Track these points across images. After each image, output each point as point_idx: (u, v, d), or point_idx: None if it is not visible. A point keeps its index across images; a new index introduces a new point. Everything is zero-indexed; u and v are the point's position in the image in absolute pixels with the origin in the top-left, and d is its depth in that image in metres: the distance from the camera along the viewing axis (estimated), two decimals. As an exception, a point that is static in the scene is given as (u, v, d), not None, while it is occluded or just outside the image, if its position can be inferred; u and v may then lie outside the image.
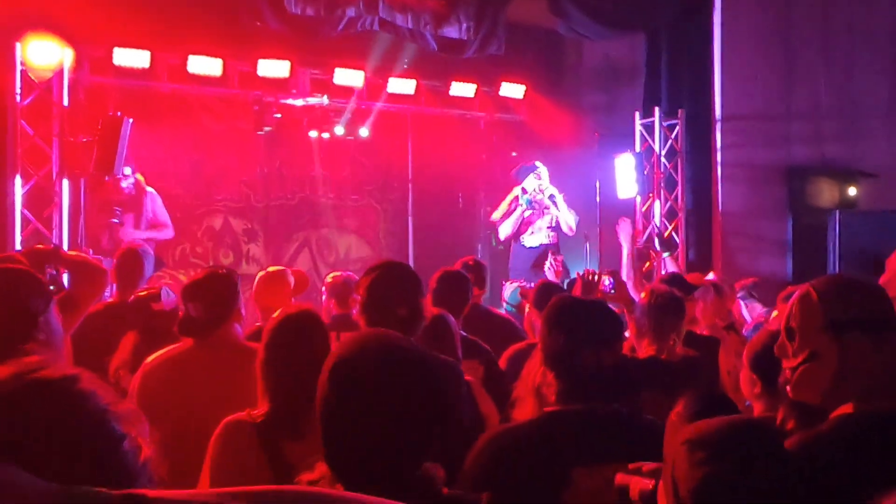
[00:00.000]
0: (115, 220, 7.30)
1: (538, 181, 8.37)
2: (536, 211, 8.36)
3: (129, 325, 3.42)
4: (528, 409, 2.25)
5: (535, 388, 2.52)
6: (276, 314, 2.58)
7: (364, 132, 9.45)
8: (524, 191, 8.32)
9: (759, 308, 5.65)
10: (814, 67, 9.15)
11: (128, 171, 7.44)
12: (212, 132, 9.16)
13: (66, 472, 0.87)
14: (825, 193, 9.16)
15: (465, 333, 3.68)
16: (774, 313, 4.52)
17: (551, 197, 8.32)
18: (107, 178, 7.06)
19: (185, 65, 8.00)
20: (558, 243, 8.59)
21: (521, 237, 8.47)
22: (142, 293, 3.52)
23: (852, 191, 9.19)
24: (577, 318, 2.16)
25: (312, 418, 2.26)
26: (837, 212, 8.30)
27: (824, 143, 9.17)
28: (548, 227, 8.40)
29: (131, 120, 6.85)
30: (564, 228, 8.37)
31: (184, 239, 9.22)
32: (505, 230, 8.46)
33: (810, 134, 9.10)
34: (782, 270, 8.74)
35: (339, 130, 9.38)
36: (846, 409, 1.71)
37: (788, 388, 1.91)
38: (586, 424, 2.08)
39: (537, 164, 8.48)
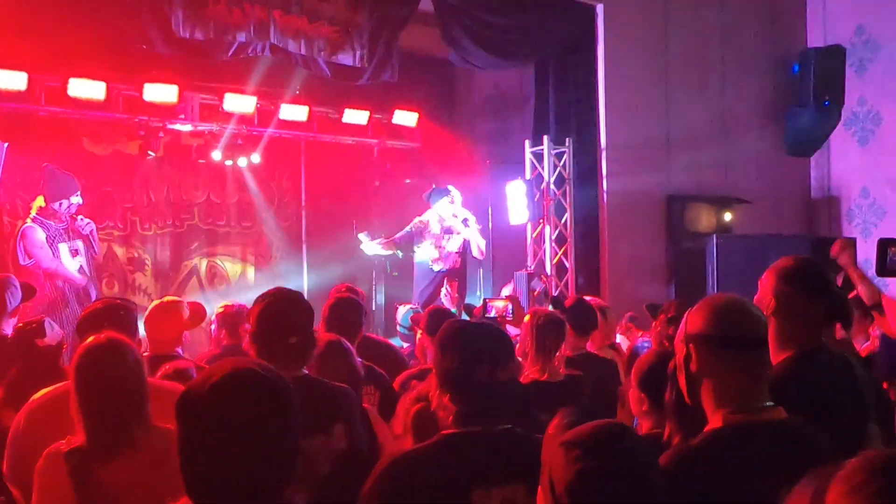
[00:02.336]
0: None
1: (452, 205, 8.46)
2: (441, 235, 8.44)
3: (9, 359, 3.24)
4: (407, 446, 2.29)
5: (416, 420, 2.57)
6: (88, 340, 2.55)
7: (256, 158, 9.32)
8: (441, 218, 8.40)
9: (639, 333, 5.91)
10: (691, 99, 9.64)
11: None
12: (95, 157, 8.85)
13: None
14: (703, 219, 9.61)
15: (360, 360, 3.67)
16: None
17: (464, 221, 8.41)
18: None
19: (65, 88, 7.72)
20: (462, 268, 8.70)
21: (414, 248, 8.55)
22: (22, 326, 3.34)
23: (728, 216, 9.68)
24: (471, 338, 2.19)
25: (130, 441, 2.33)
26: (715, 236, 8.72)
27: (702, 171, 9.65)
28: (456, 252, 8.48)
29: (6, 144, 6.54)
30: (475, 252, 8.46)
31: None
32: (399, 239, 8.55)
33: (688, 162, 9.56)
34: (665, 294, 9.09)
35: (230, 157, 9.22)
36: (716, 422, 1.82)
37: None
38: (484, 446, 2.11)
39: (450, 188, 8.57)
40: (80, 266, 7.43)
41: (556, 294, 8.12)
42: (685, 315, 1.91)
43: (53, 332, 3.30)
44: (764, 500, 1.68)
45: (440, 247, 8.43)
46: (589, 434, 1.55)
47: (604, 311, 4.86)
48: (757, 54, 10.21)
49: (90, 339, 2.50)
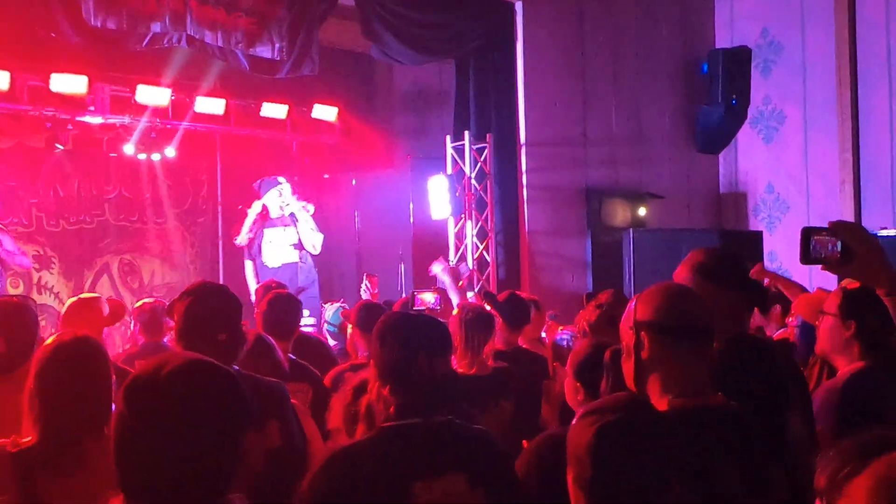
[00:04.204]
0: None
1: (280, 198, 8.18)
2: (275, 223, 8.18)
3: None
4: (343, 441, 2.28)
5: (352, 413, 2.55)
6: (49, 340, 2.39)
7: (169, 152, 9.06)
8: (265, 207, 8.13)
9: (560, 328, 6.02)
10: (606, 97, 9.87)
11: None
12: (-2, 151, 8.46)
13: None
14: (619, 214, 9.86)
15: (293, 356, 3.62)
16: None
17: (291, 215, 8.12)
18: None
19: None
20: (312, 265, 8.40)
21: (262, 255, 8.26)
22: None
23: (642, 211, 9.96)
24: (409, 329, 2.20)
25: (81, 455, 2.17)
26: (630, 230, 8.96)
27: (617, 167, 9.90)
28: (292, 245, 8.17)
29: None
30: (308, 247, 8.19)
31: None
32: (241, 238, 8.31)
33: (605, 158, 9.80)
34: (584, 285, 9.29)
35: (143, 150, 8.94)
36: (661, 406, 1.87)
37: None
38: (424, 437, 2.11)
39: (280, 179, 8.33)
40: None
41: (479, 288, 8.17)
42: (633, 302, 1.95)
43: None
44: (702, 480, 1.75)
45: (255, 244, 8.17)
46: (602, 401, 1.66)
47: (536, 304, 4.93)
48: (669, 54, 10.52)
49: (54, 336, 2.36)
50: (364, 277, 8.57)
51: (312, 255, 8.45)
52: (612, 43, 9.91)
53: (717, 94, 10.39)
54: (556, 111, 9.36)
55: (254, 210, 8.19)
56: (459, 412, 2.41)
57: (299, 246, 8.13)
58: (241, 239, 8.31)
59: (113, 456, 1.44)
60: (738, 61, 10.44)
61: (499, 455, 2.26)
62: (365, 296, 8.44)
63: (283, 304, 3.89)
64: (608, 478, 1.58)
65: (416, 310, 4.74)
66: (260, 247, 8.27)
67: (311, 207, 8.32)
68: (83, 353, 2.30)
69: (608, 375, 2.46)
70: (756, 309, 3.25)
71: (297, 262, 8.19)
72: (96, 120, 8.41)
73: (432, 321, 2.31)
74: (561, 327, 5.88)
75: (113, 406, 2.05)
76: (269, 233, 8.30)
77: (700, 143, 10.79)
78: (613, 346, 2.57)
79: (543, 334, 5.48)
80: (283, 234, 8.17)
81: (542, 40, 9.27)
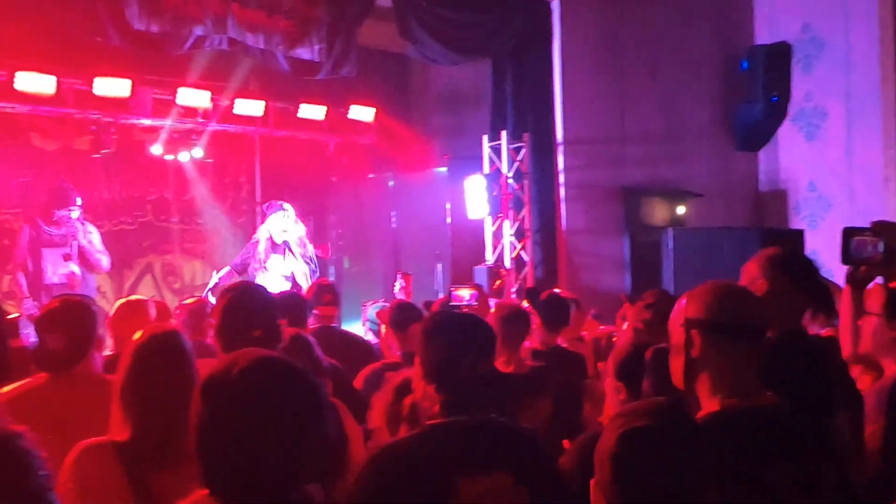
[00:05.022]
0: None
1: (282, 221, 7.52)
2: (273, 251, 7.53)
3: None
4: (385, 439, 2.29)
5: (395, 413, 2.57)
6: (137, 335, 2.39)
7: (210, 154, 9.20)
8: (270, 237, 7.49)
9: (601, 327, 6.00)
10: (644, 95, 9.79)
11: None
12: (44, 153, 8.63)
13: None
14: (657, 212, 9.78)
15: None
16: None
17: (285, 243, 7.48)
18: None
19: (12, 81, 7.51)
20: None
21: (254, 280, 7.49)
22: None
23: (681, 209, 9.87)
24: (455, 329, 2.21)
25: (179, 448, 2.19)
26: (670, 229, 8.88)
27: (656, 165, 9.82)
28: (283, 276, 7.50)
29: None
30: (299, 280, 7.46)
31: (10, 267, 8.61)
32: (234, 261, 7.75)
33: (643, 156, 9.72)
34: (621, 285, 9.23)
35: (184, 152, 9.09)
36: (713, 405, 1.86)
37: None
38: (469, 435, 2.12)
39: (285, 206, 7.65)
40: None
41: (517, 288, 8.17)
42: (684, 299, 1.93)
43: (29, 332, 3.21)
44: (761, 482, 1.74)
45: (263, 268, 7.48)
46: (632, 406, 1.58)
47: (577, 303, 4.91)
48: (707, 51, 10.41)
49: (142, 331, 2.38)
50: (398, 276, 8.61)
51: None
52: (649, 40, 9.83)
53: (757, 90, 10.26)
54: (594, 109, 9.32)
55: (262, 237, 7.58)
56: (503, 411, 2.42)
57: (292, 279, 7.51)
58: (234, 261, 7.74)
59: (195, 451, 1.50)
60: (779, 57, 10.30)
61: (543, 454, 2.26)
62: (399, 295, 8.49)
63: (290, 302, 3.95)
64: (629, 485, 1.52)
65: (452, 306, 4.76)
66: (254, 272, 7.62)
67: (311, 248, 7.73)
68: (175, 346, 2.33)
69: (650, 375, 2.45)
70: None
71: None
72: (138, 122, 8.55)
73: (477, 320, 2.32)
74: (602, 326, 5.87)
75: None
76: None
77: (739, 140, 10.66)
78: (655, 345, 2.56)
79: (584, 333, 5.46)
80: (282, 263, 7.54)
81: (578, 38, 9.24)
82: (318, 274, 7.68)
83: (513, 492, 2.11)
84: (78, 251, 7.38)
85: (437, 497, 2.03)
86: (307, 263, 7.56)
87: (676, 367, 1.93)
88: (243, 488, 1.47)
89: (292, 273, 7.51)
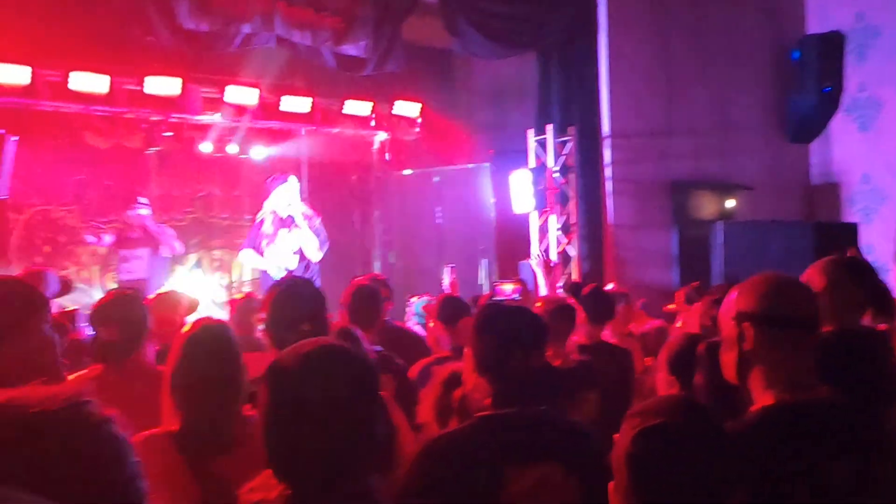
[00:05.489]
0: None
1: (286, 195, 7.44)
2: (280, 225, 7.47)
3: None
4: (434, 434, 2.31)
5: (444, 406, 2.57)
6: (187, 327, 2.48)
7: (257, 150, 9.32)
8: (275, 212, 7.45)
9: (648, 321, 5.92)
10: (692, 87, 9.64)
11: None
12: (97, 151, 8.83)
13: (84, 500, 0.85)
14: (706, 206, 9.64)
15: (378, 348, 3.68)
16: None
17: (290, 217, 7.39)
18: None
19: (66, 81, 7.70)
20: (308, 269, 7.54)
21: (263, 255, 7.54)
22: (54, 316, 3.33)
23: (730, 203, 9.71)
24: (507, 322, 2.21)
25: (230, 435, 2.25)
26: (720, 223, 8.75)
27: (704, 158, 9.68)
28: (292, 251, 7.44)
29: (16, 138, 6.52)
30: (307, 254, 7.43)
31: (68, 263, 8.84)
32: (245, 250, 7.73)
33: (691, 149, 9.58)
34: (668, 279, 9.12)
35: (232, 149, 9.22)
36: (767, 400, 1.82)
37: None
38: (519, 426, 2.13)
39: (289, 178, 7.61)
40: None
41: (563, 283, 8.12)
42: (735, 292, 1.90)
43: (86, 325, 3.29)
44: (816, 477, 1.71)
45: (272, 243, 7.42)
46: (648, 404, 1.56)
47: (625, 297, 4.86)
48: (757, 41, 10.22)
49: (190, 324, 2.46)
50: (447, 270, 8.62)
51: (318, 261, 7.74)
52: (697, 30, 9.68)
53: (810, 81, 10.04)
54: (641, 102, 9.21)
55: (266, 216, 7.52)
56: (553, 403, 2.41)
57: (300, 253, 7.44)
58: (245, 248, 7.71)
59: (261, 437, 1.54)
60: (832, 47, 10.06)
61: (593, 447, 2.25)
62: (447, 289, 8.50)
63: (364, 294, 3.95)
64: (649, 486, 1.46)
65: (496, 301, 4.75)
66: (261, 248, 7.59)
67: (318, 221, 7.65)
68: (222, 338, 2.39)
69: (702, 369, 2.43)
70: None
71: (293, 271, 7.41)
72: (188, 120, 8.70)
73: (529, 313, 2.32)
74: (649, 319, 5.81)
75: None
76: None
77: (791, 132, 10.45)
78: (708, 339, 2.53)
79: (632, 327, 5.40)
80: (287, 236, 7.47)
81: (625, 30, 9.13)
82: (327, 246, 7.62)
83: (563, 483, 2.11)
84: (151, 243, 7.91)
85: (488, 487, 2.05)
86: (316, 235, 7.49)
87: (728, 361, 1.90)
88: (305, 472, 1.51)
89: (300, 248, 7.44)
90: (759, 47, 10.23)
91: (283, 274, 7.16)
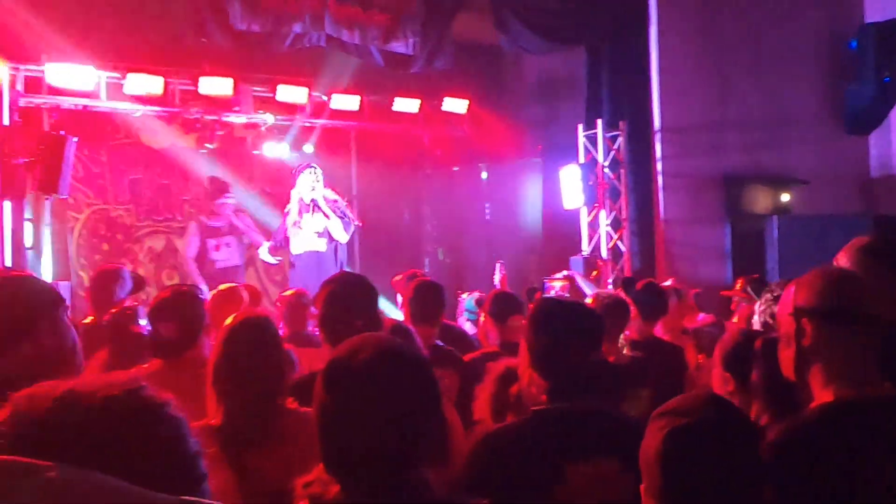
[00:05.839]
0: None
1: (309, 180, 7.65)
2: (305, 209, 7.66)
3: (101, 344, 3.33)
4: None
5: (500, 402, 2.57)
6: (229, 320, 2.48)
7: (308, 149, 9.41)
8: (301, 199, 7.65)
9: (700, 315, 5.84)
10: (745, 78, 9.47)
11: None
12: (152, 151, 9.02)
13: (149, 483, 0.88)
14: (760, 200, 9.46)
15: (440, 343, 3.70)
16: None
17: (313, 201, 7.58)
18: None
19: (123, 84, 7.88)
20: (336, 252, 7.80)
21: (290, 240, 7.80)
22: (117, 311, 3.43)
23: (785, 197, 9.52)
24: (563, 317, 2.21)
25: (269, 429, 2.27)
26: (775, 217, 8.58)
27: (758, 152, 9.49)
28: (316, 233, 7.65)
29: (76, 139, 6.70)
30: (335, 235, 7.65)
31: (125, 261, 9.04)
32: (277, 236, 7.94)
33: (744, 143, 9.41)
34: (721, 275, 8.98)
35: (284, 147, 9.33)
36: (827, 396, 1.79)
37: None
38: (575, 421, 2.13)
39: (313, 165, 7.87)
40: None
41: (614, 278, 8.06)
42: (792, 287, 1.87)
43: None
44: (878, 476, 1.67)
45: (298, 227, 7.64)
46: (675, 402, 1.53)
47: (678, 293, 4.81)
48: (812, 31, 9.98)
49: (232, 316, 2.48)
50: (498, 266, 8.62)
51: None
52: (749, 21, 9.50)
53: (868, 71, 9.76)
54: (692, 95, 9.07)
55: (294, 202, 7.75)
56: (608, 399, 2.40)
57: (326, 234, 7.65)
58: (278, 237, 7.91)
59: (315, 433, 1.56)
60: (891, 36, 9.78)
61: (649, 443, 2.24)
62: (497, 285, 8.50)
63: (428, 289, 3.96)
64: (679, 486, 1.44)
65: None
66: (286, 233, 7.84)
67: (343, 203, 7.86)
68: (263, 331, 2.42)
69: (760, 366, 2.39)
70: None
71: (322, 252, 7.67)
72: (240, 119, 8.84)
73: (585, 309, 2.32)
74: (700, 314, 5.73)
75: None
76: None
77: (848, 123, 10.18)
78: (764, 335, 2.49)
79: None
80: (311, 220, 7.64)
81: (675, 22, 9.00)
82: (352, 227, 7.87)
83: (620, 478, 2.10)
84: (238, 235, 8.14)
85: (545, 481, 2.05)
86: (340, 217, 7.66)
87: (787, 357, 1.86)
88: (360, 469, 1.52)
89: (326, 229, 7.64)
90: (815, 37, 10.00)
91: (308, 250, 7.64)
